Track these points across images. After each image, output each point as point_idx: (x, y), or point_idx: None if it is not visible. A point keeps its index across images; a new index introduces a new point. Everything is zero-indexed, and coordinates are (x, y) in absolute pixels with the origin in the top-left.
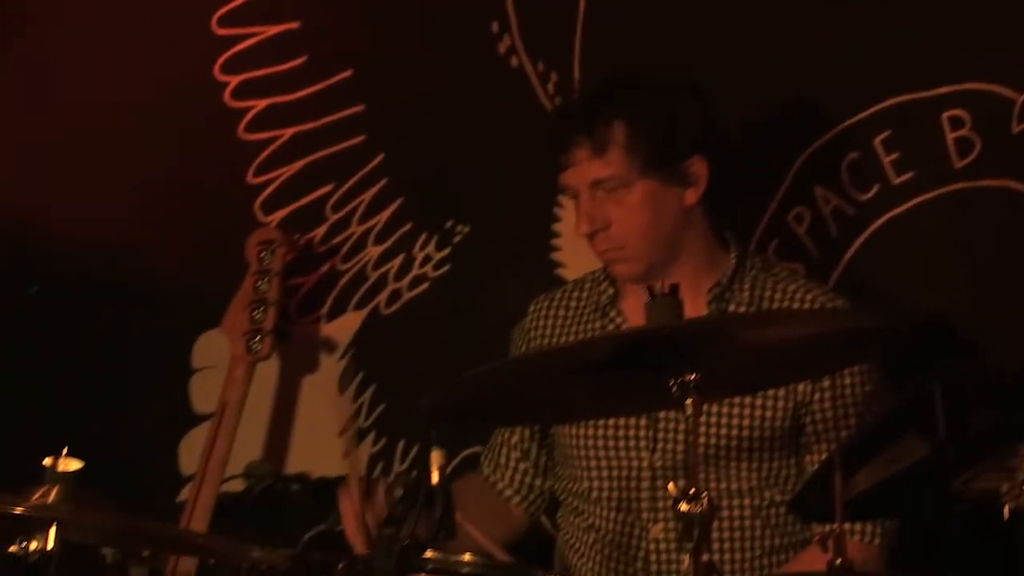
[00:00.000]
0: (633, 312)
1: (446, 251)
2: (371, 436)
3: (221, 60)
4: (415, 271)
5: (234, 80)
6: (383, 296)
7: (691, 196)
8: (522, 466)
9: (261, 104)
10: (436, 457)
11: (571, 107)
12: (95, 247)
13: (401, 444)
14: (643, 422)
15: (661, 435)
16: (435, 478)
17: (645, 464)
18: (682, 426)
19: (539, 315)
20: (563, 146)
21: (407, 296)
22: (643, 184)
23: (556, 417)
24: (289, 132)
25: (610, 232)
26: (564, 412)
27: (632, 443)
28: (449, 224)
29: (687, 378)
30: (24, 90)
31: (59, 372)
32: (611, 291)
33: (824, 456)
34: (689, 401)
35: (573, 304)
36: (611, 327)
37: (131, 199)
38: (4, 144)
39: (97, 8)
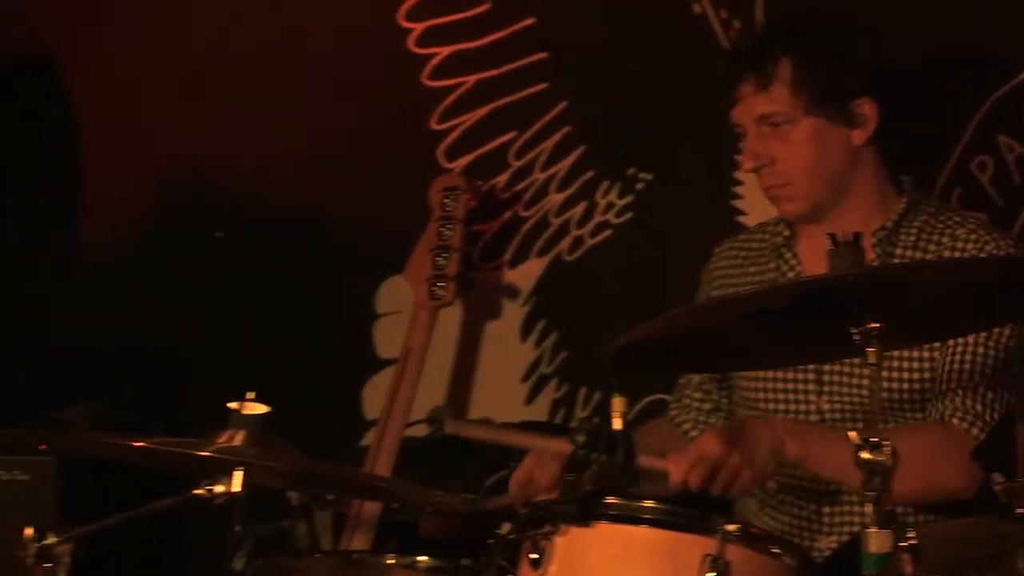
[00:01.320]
0: (808, 254)
1: (629, 198)
2: (553, 383)
3: (405, 7)
4: (597, 218)
5: (418, 27)
6: (565, 243)
7: (858, 137)
8: (705, 406)
9: (445, 51)
10: (618, 404)
11: (740, 44)
12: (280, 194)
13: (583, 391)
14: (810, 367)
15: (827, 378)
16: (617, 424)
17: (813, 409)
18: (848, 373)
19: (722, 257)
20: (731, 82)
21: (589, 243)
22: (809, 121)
23: (737, 364)
24: (472, 79)
25: (775, 168)
26: (744, 359)
27: (801, 387)
28: (631, 171)
29: (870, 326)
30: (208, 39)
31: (244, 318)
32: (786, 233)
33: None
34: (871, 350)
35: (754, 246)
36: (786, 268)
37: (315, 146)
38: (189, 93)
39: None
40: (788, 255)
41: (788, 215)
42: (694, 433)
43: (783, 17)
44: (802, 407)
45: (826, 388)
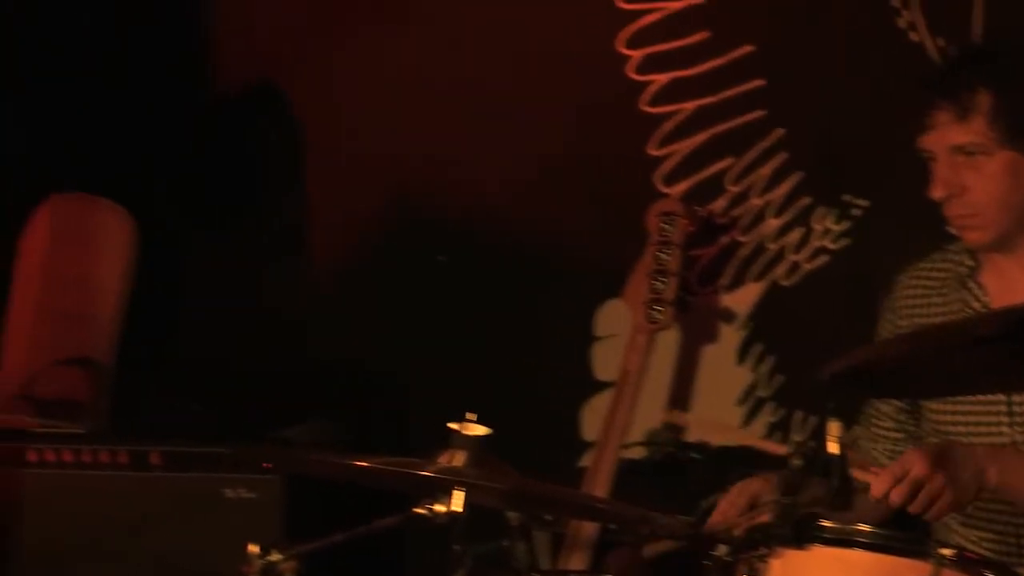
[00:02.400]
0: (993, 284)
1: (845, 225)
2: (769, 406)
3: (625, 35)
4: (814, 244)
5: (637, 55)
6: (782, 268)
7: None
8: (897, 435)
9: (663, 78)
10: (834, 428)
11: (937, 71)
12: (501, 217)
13: (799, 415)
14: (1001, 397)
15: (1017, 408)
16: (833, 448)
17: (1007, 439)
18: None
19: (906, 287)
20: (925, 109)
21: (806, 269)
22: (1004, 154)
23: (945, 391)
24: (690, 106)
25: (965, 198)
26: (951, 386)
27: (993, 418)
28: (847, 198)
29: None
30: (431, 67)
31: (466, 339)
32: (970, 263)
33: None
34: None
35: (936, 275)
36: (971, 299)
37: (535, 171)
38: (414, 121)
39: None
40: (973, 285)
41: (974, 244)
42: (885, 461)
43: (980, 46)
44: (995, 438)
45: (1017, 419)
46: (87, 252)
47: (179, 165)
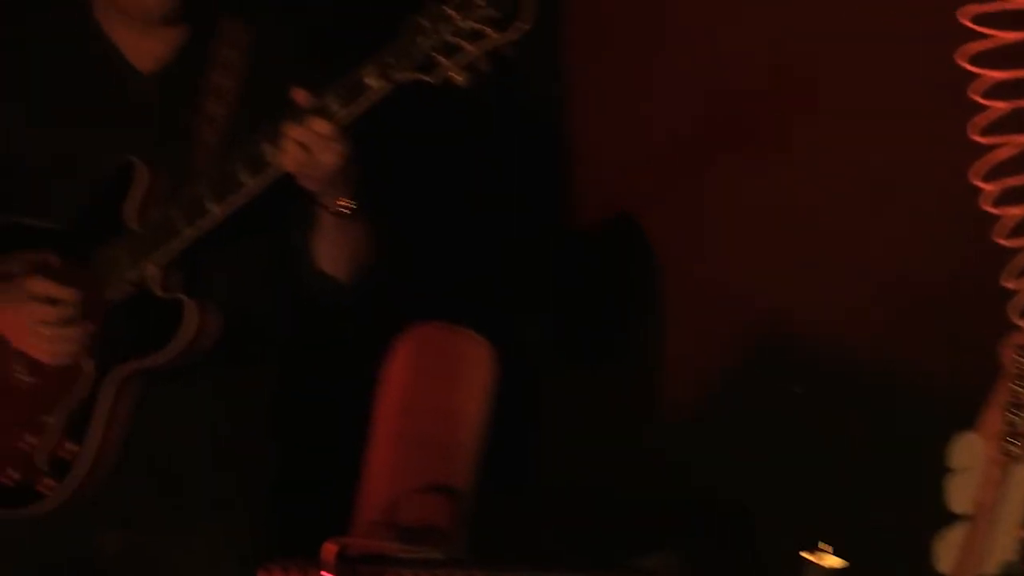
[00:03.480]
0: None
1: None
2: None
3: (979, 168)
4: None
5: (991, 188)
6: None
7: None
8: None
9: (1019, 211)
10: None
11: None
12: (851, 347)
13: None
14: None
15: None
16: None
17: None
18: None
19: None
20: None
21: None
22: None
23: None
24: None
25: None
26: None
27: None
28: None
29: None
30: (784, 199)
31: (816, 469)
32: None
33: None
34: None
35: None
36: None
37: (888, 298)
38: (768, 249)
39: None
40: None
41: None
42: None
43: None
44: None
45: None
46: (448, 381)
47: (538, 295)
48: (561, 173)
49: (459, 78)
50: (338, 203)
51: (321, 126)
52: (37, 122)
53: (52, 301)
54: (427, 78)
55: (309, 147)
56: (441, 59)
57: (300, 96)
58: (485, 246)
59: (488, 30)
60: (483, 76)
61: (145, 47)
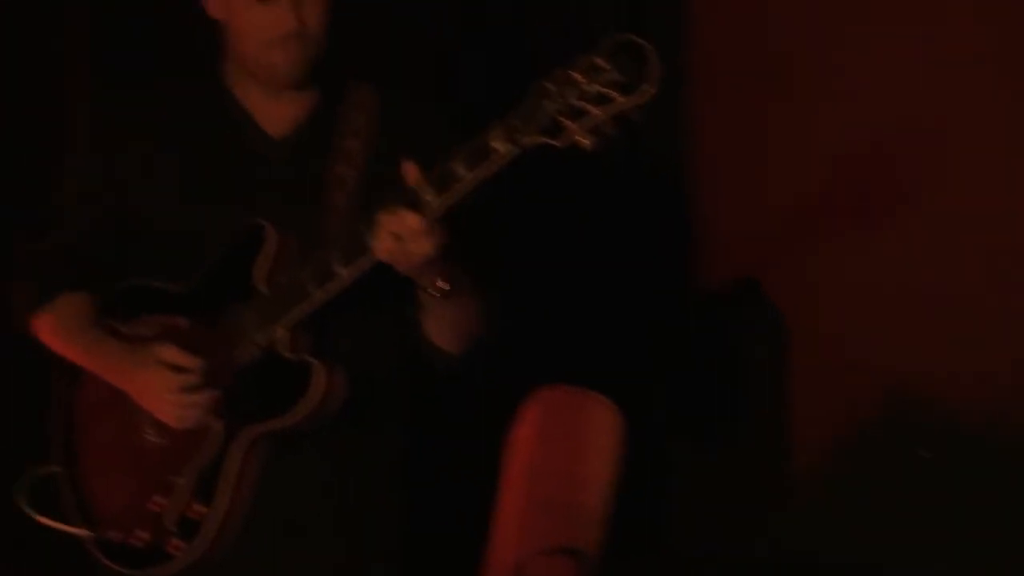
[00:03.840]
0: None
1: None
2: None
3: None
4: None
5: None
6: None
7: None
8: None
9: None
10: None
11: None
12: (979, 412)
13: None
14: None
15: None
16: None
17: None
18: None
19: None
20: None
21: None
22: None
23: None
24: None
25: None
26: None
27: None
28: None
29: None
30: (908, 262)
31: (946, 535)
32: None
33: None
34: None
35: None
36: None
37: (1013, 369)
38: (894, 308)
39: None
40: None
41: None
42: None
43: None
44: None
45: None
46: (575, 445)
47: (665, 358)
48: (686, 236)
49: (585, 142)
50: (435, 285)
51: (413, 220)
52: (170, 186)
53: (179, 368)
54: (553, 142)
55: (402, 238)
56: (568, 123)
57: (410, 171)
58: (612, 309)
59: (614, 94)
60: (609, 140)
61: (276, 113)
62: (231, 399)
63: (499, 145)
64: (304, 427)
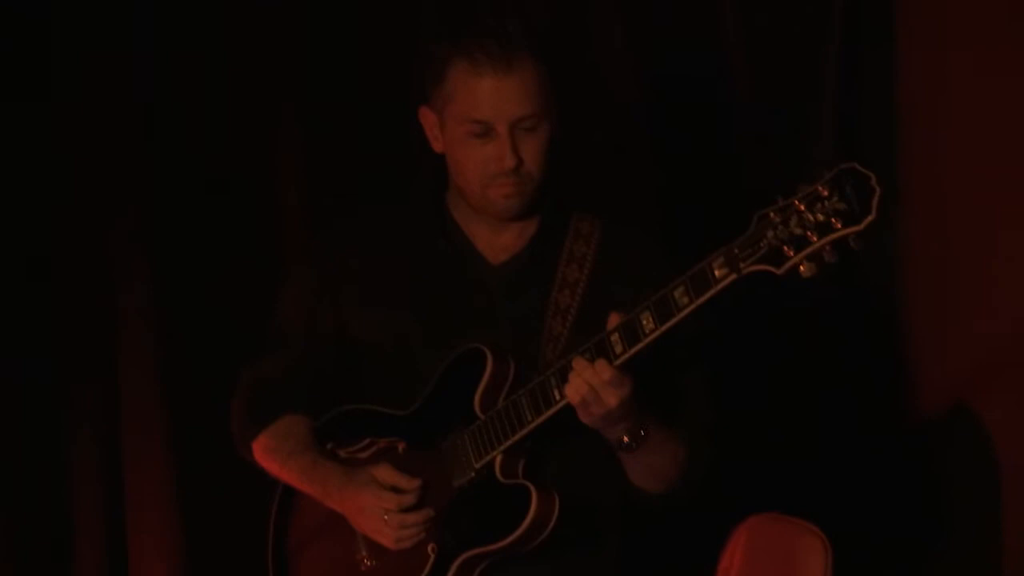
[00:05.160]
0: None
1: None
2: None
3: None
4: None
5: None
6: None
7: None
8: None
9: None
10: None
11: None
12: None
13: None
14: None
15: None
16: None
17: None
18: None
19: None
20: None
21: None
22: None
23: None
24: None
25: None
26: None
27: None
28: None
29: None
30: None
31: None
32: None
33: None
34: None
35: None
36: None
37: None
38: None
39: None
40: None
41: None
42: None
43: None
44: None
45: None
46: (784, 573)
47: (879, 488)
48: (902, 363)
49: (805, 269)
50: (621, 440)
51: (603, 370)
52: (394, 311)
53: (396, 489)
54: (773, 269)
55: (594, 387)
56: (789, 251)
57: (613, 320)
58: (826, 435)
59: (836, 222)
60: (828, 267)
61: (498, 242)
62: (445, 522)
63: (720, 271)
64: (518, 551)
